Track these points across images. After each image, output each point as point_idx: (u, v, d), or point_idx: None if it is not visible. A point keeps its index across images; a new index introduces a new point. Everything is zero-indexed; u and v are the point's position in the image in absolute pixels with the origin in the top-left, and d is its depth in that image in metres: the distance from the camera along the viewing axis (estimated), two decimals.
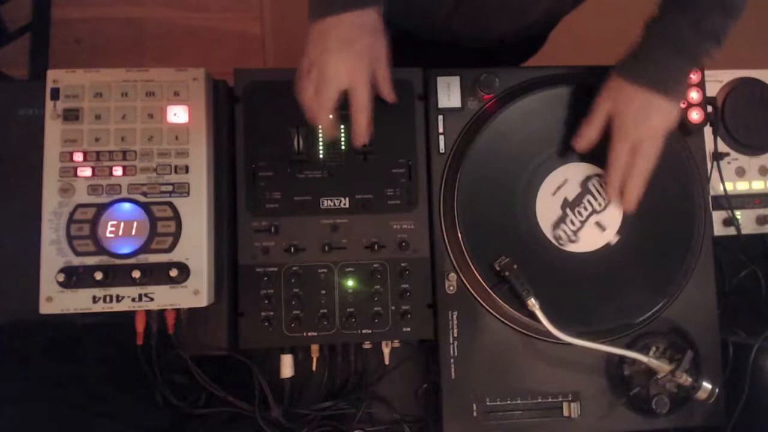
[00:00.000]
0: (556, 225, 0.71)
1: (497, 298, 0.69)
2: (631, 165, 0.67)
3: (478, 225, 0.70)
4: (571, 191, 0.72)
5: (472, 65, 0.73)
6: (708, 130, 0.79)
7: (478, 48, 0.86)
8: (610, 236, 0.72)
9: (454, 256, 0.70)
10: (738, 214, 0.79)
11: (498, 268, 0.68)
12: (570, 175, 0.72)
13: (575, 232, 0.71)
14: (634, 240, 0.72)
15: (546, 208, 0.71)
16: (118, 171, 0.65)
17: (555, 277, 0.70)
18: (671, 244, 0.72)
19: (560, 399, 0.70)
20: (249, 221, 0.69)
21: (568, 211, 0.71)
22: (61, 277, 0.62)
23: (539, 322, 0.66)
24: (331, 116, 0.62)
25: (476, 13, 0.77)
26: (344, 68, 0.59)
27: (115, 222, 0.65)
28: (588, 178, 0.72)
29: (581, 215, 0.71)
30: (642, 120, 0.66)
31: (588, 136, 0.68)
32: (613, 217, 0.72)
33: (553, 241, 0.71)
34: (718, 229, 0.79)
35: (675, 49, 0.65)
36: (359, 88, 0.61)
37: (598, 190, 0.72)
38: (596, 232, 0.72)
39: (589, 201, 0.72)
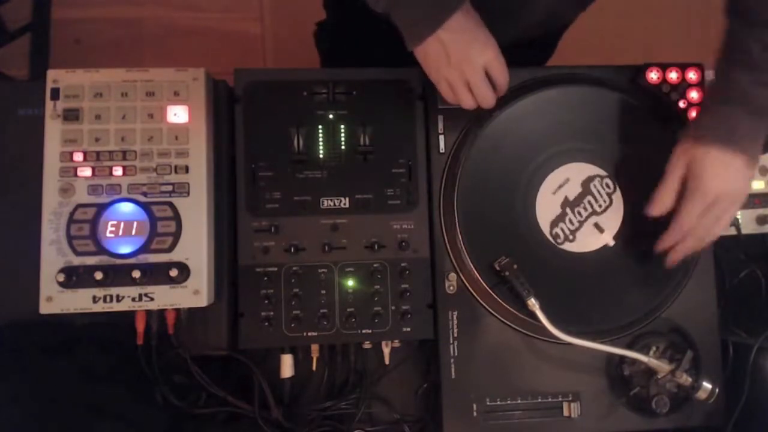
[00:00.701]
0: (555, 223, 0.71)
1: (497, 298, 0.69)
2: (698, 226, 0.66)
3: (478, 225, 0.70)
4: (572, 191, 0.72)
5: None
6: None
7: None
8: (608, 239, 0.71)
9: (454, 256, 0.70)
10: (738, 214, 0.79)
11: (498, 268, 0.68)
12: (572, 175, 0.72)
13: (573, 232, 0.71)
14: (634, 240, 0.72)
15: (546, 205, 0.71)
16: (118, 171, 0.65)
17: (555, 277, 0.70)
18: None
19: (560, 399, 0.70)
20: (249, 221, 0.69)
21: (567, 210, 0.71)
22: (61, 277, 0.62)
23: (539, 322, 0.66)
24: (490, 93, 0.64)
25: None
26: (478, 52, 0.61)
27: (115, 222, 0.65)
28: (590, 179, 0.72)
29: (580, 215, 0.71)
30: (718, 177, 0.63)
31: (663, 201, 0.67)
32: (611, 220, 0.72)
33: (550, 239, 0.70)
34: None
35: (740, 103, 0.63)
36: (495, 63, 0.62)
37: (599, 191, 0.72)
38: (594, 233, 0.71)
39: (589, 202, 0.72)
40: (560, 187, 0.71)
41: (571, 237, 0.71)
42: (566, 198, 0.71)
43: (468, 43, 0.60)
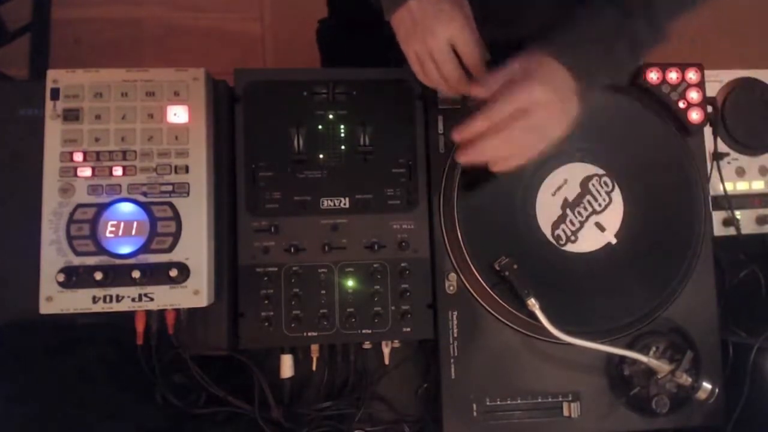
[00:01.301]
0: (556, 225, 0.71)
1: (497, 298, 0.69)
2: (507, 125, 0.57)
3: (478, 225, 0.70)
4: (571, 191, 0.72)
5: None
6: (708, 130, 0.79)
7: None
8: (610, 237, 0.72)
9: (454, 256, 0.70)
10: (738, 214, 0.79)
11: (498, 268, 0.68)
12: (570, 176, 0.72)
13: (575, 232, 0.71)
14: (634, 240, 0.72)
15: (546, 208, 0.71)
16: (118, 171, 0.65)
17: (555, 277, 0.70)
18: (671, 244, 0.72)
19: (560, 399, 0.70)
20: (249, 221, 0.69)
21: (568, 211, 0.71)
22: (61, 277, 0.62)
23: (539, 322, 0.66)
24: (461, 78, 0.61)
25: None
26: (443, 24, 0.58)
27: (115, 222, 0.65)
28: (588, 178, 0.72)
29: (581, 215, 0.71)
30: (547, 84, 0.57)
31: (488, 83, 0.59)
32: (612, 218, 0.72)
33: (553, 241, 0.71)
34: (718, 229, 0.79)
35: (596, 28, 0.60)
36: (461, 37, 0.59)
37: (598, 191, 0.72)
38: (596, 232, 0.72)
39: (589, 201, 0.72)
40: (559, 188, 0.72)
41: (573, 238, 0.71)
42: (566, 199, 0.71)
43: (434, 14, 0.58)
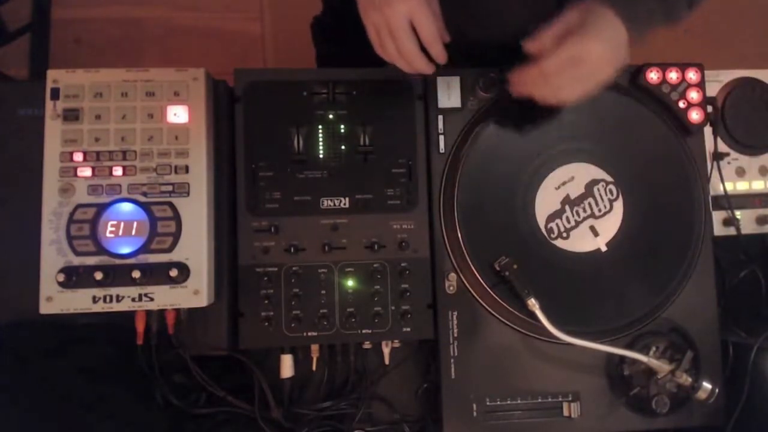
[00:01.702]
0: (552, 218, 0.71)
1: (497, 298, 0.69)
2: (559, 75, 0.60)
3: (478, 225, 0.70)
4: (575, 190, 0.72)
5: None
6: (708, 130, 0.79)
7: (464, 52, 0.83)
8: (600, 243, 0.71)
9: (454, 256, 0.70)
10: (738, 214, 0.79)
11: (498, 268, 0.68)
12: (578, 174, 0.72)
13: (568, 230, 0.71)
14: (634, 239, 0.72)
15: (546, 198, 0.71)
16: (118, 171, 0.65)
17: (555, 277, 0.70)
18: (671, 244, 0.72)
19: (560, 399, 0.70)
20: (249, 221, 0.69)
21: (567, 207, 0.71)
22: (61, 277, 0.62)
23: (539, 322, 0.66)
24: (421, 57, 0.61)
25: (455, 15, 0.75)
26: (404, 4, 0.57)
27: (115, 222, 0.65)
28: (594, 182, 0.72)
29: (578, 215, 0.71)
30: (601, 38, 0.60)
31: (542, 39, 0.62)
32: (608, 226, 0.72)
33: (544, 232, 0.70)
34: (718, 229, 0.79)
35: None
36: (418, 12, 0.58)
37: (601, 196, 0.72)
38: (588, 235, 0.71)
39: (590, 204, 0.72)
40: (564, 183, 0.71)
41: (564, 234, 0.71)
42: (568, 196, 0.71)
43: None
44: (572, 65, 0.59)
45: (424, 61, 0.61)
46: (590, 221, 0.72)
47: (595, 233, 0.72)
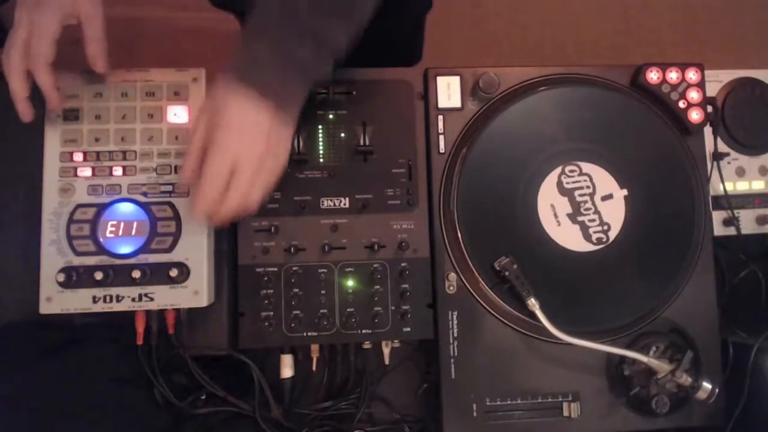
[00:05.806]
0: (552, 218, 0.71)
1: (497, 298, 0.69)
2: (229, 195, 0.54)
3: (478, 225, 0.70)
4: (575, 190, 0.71)
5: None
6: (708, 130, 0.79)
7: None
8: (600, 244, 0.71)
9: (454, 256, 0.70)
10: (738, 214, 0.79)
11: (498, 268, 0.68)
12: (578, 174, 0.72)
13: (568, 230, 0.71)
14: (634, 240, 0.72)
15: (546, 200, 0.71)
16: (118, 171, 0.65)
17: (555, 277, 0.70)
18: (671, 243, 0.72)
19: (560, 399, 0.70)
20: (249, 221, 0.69)
21: (567, 207, 0.71)
22: (61, 277, 0.62)
23: (539, 322, 0.66)
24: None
25: None
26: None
27: (115, 222, 0.65)
28: (594, 182, 0.72)
29: (578, 215, 0.71)
30: (235, 131, 0.52)
31: (187, 166, 0.55)
32: (608, 226, 0.72)
33: (544, 233, 0.70)
34: (718, 229, 0.79)
35: (264, 35, 0.51)
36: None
37: (601, 197, 0.72)
38: (578, 232, 0.71)
39: (590, 204, 0.72)
40: (564, 184, 0.71)
41: (564, 234, 0.71)
42: (568, 196, 0.71)
43: None
44: (232, 175, 0.53)
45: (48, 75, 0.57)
46: (590, 221, 0.72)
47: (595, 233, 0.72)
